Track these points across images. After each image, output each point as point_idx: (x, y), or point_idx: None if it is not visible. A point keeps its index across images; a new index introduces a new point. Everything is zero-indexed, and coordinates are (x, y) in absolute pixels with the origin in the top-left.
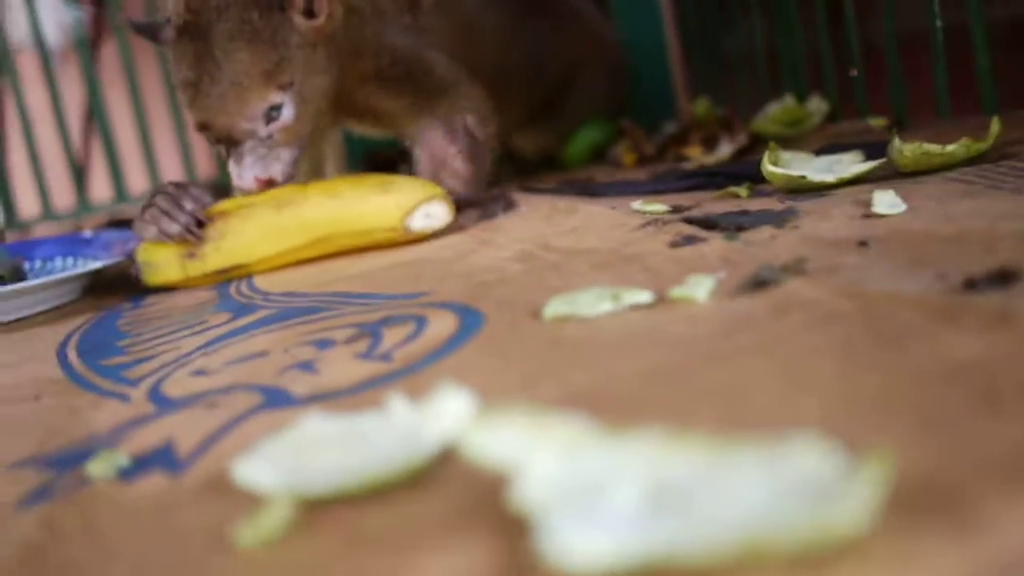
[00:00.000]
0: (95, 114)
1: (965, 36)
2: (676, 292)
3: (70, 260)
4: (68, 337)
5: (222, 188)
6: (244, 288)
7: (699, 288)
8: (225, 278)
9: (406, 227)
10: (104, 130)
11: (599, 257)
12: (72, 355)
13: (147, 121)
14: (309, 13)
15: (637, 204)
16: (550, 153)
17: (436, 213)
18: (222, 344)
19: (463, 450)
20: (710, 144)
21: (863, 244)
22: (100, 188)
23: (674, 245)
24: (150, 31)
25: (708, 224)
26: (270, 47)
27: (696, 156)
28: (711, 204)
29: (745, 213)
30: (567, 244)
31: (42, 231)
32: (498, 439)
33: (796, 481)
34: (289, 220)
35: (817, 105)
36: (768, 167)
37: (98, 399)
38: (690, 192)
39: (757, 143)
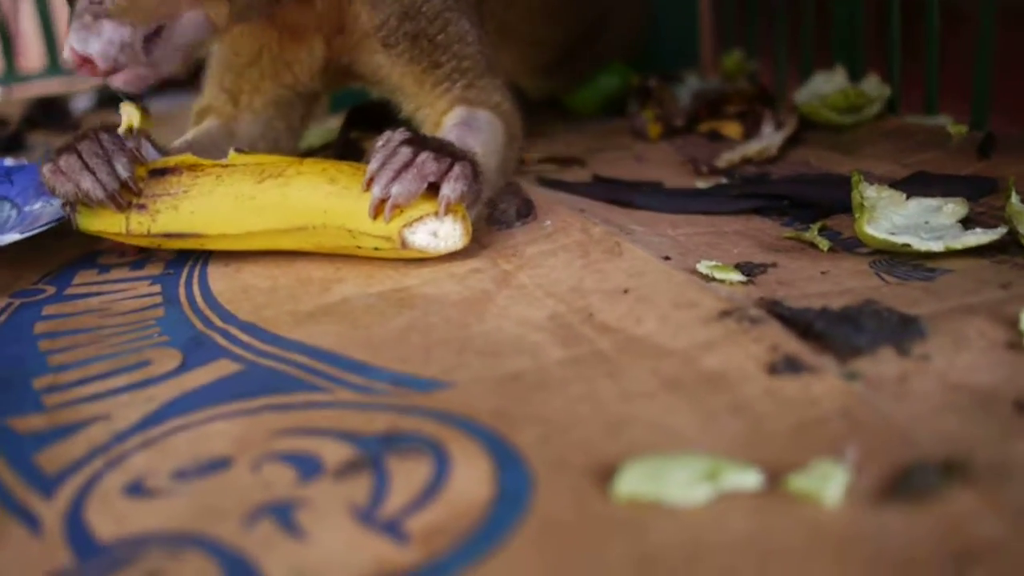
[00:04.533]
0: None
1: None
2: (796, 483)
3: None
4: None
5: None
6: (197, 292)
7: (828, 484)
8: (173, 245)
9: (403, 239)
10: None
11: (670, 366)
12: None
13: None
14: None
15: (703, 266)
16: (557, 96)
17: (446, 234)
18: (169, 423)
19: None
20: (749, 122)
21: (1022, 409)
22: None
23: (772, 370)
24: None
25: (809, 331)
26: None
27: (735, 136)
28: (787, 261)
29: (853, 320)
30: (617, 320)
31: None
32: None
33: None
34: (270, 196)
35: (878, 89)
36: (866, 230)
37: None
38: (747, 216)
39: (805, 128)
